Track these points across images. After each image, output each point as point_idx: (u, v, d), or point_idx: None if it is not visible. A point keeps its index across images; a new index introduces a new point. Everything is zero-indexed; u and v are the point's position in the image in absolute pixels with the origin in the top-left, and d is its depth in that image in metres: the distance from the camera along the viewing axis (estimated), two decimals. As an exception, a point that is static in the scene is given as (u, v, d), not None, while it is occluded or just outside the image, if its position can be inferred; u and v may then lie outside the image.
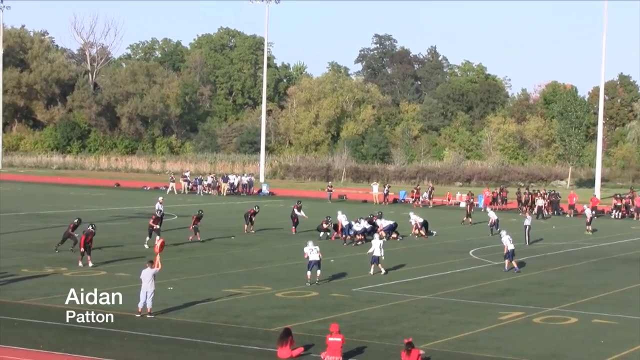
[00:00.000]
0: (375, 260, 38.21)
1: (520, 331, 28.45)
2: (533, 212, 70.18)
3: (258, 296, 32.87)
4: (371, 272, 38.03)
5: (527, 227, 51.54)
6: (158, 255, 29.44)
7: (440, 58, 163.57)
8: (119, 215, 62.56)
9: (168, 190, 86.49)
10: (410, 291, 34.80)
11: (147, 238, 44.74)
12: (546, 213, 72.61)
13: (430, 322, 29.36)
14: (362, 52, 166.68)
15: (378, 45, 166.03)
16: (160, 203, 53.23)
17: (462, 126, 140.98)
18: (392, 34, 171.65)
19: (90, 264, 37.75)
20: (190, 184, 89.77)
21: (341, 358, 23.41)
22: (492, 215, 56.88)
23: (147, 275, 28.34)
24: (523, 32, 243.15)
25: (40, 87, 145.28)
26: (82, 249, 38.03)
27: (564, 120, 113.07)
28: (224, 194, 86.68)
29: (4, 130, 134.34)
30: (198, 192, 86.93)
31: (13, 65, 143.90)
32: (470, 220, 63.89)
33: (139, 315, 28.13)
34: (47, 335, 25.35)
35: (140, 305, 28.24)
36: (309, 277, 35.30)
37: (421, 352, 23.14)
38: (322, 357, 23.47)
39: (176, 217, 60.84)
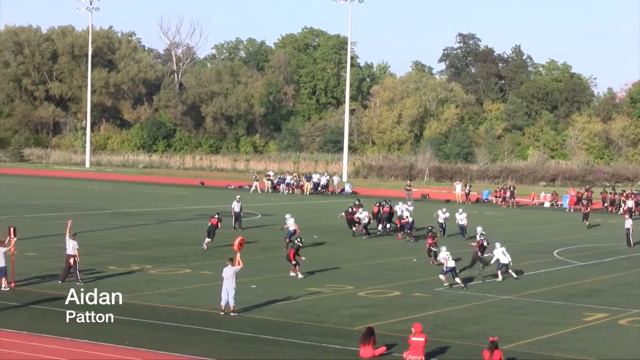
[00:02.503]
0: (501, 267, 37.30)
1: (605, 333, 28.15)
2: (619, 213, 69.33)
3: (340, 295, 32.99)
4: (500, 278, 37.02)
5: (628, 229, 49.87)
6: (238, 253, 29.70)
7: (524, 57, 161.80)
8: (203, 213, 63.19)
9: (252, 189, 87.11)
10: (493, 291, 34.62)
11: (207, 239, 44.25)
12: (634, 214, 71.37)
13: (513, 322, 29.19)
14: (446, 51, 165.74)
15: (462, 44, 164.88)
16: (238, 202, 53.32)
17: (546, 125, 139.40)
18: (476, 33, 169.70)
19: (300, 275, 36.42)
20: (274, 183, 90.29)
21: (424, 358, 23.40)
22: (461, 219, 51.48)
23: (228, 273, 28.66)
24: (609, 30, 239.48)
25: (128, 87, 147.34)
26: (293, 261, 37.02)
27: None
28: (307, 193, 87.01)
29: (92, 130, 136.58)
30: (281, 191, 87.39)
31: (101, 65, 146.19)
32: (586, 222, 60.88)
33: (222, 313, 28.45)
34: (133, 332, 25.77)
35: (222, 304, 28.56)
36: (443, 280, 35.17)
37: (502, 358, 22.89)
38: (405, 357, 23.47)
39: (260, 215, 61.29)
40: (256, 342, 25.36)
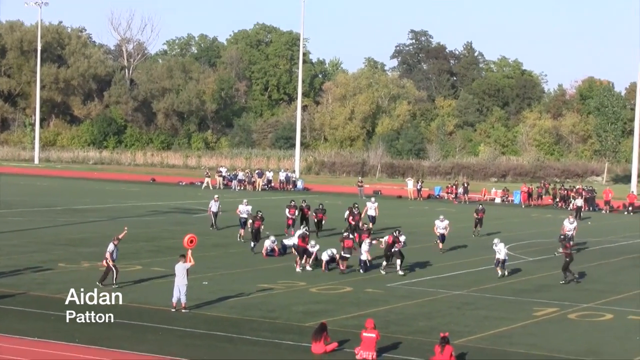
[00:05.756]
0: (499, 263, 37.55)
1: (555, 327, 28.37)
2: (569, 209, 70.12)
3: (293, 291, 32.97)
4: (499, 274, 37.37)
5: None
6: (189, 250, 29.52)
7: (476, 54, 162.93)
8: (154, 210, 62.88)
9: (203, 186, 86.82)
10: (445, 287, 34.79)
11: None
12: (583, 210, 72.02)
13: (465, 317, 29.34)
14: (398, 48, 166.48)
15: (414, 40, 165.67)
16: (216, 201, 52.16)
17: (497, 122, 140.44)
18: (428, 30, 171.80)
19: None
20: (225, 180, 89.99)
21: (375, 354, 23.47)
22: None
23: (179, 269, 28.52)
24: (559, 27, 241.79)
25: (78, 82, 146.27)
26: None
27: (601, 116, 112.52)
28: (259, 189, 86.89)
29: (41, 126, 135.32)
30: (233, 188, 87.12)
31: (51, 61, 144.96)
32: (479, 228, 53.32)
33: (173, 310, 28.31)
34: (84, 330, 25.50)
35: (174, 300, 28.42)
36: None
37: (453, 353, 23.02)
38: (356, 353, 23.53)
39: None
40: (208, 339, 25.25)
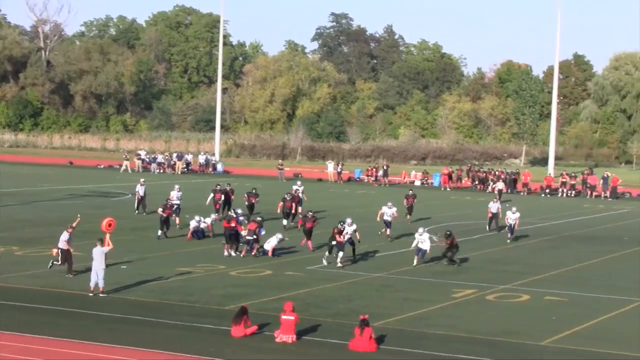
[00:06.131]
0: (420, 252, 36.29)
1: (473, 308, 28.65)
2: (487, 191, 70.87)
3: (212, 275, 32.81)
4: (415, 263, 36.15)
5: (495, 215, 48.39)
6: (107, 233, 29.17)
7: (396, 37, 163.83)
8: (72, 193, 62.05)
9: (122, 169, 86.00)
10: (365, 269, 34.91)
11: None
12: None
13: (384, 300, 29.46)
14: (319, 31, 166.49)
15: (334, 23, 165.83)
16: (142, 185, 51.23)
17: (417, 105, 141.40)
18: (349, 13, 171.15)
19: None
20: (144, 163, 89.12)
21: (295, 336, 23.43)
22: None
23: (97, 253, 28.17)
24: (479, 11, 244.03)
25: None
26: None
27: (519, 99, 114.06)
28: (179, 172, 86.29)
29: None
30: (152, 171, 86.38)
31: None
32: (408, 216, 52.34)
33: (91, 294, 27.95)
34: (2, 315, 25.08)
35: (92, 284, 28.08)
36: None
37: (372, 335, 23.12)
38: (276, 336, 23.46)
39: (130, 195, 60.29)
40: (127, 323, 24.98)
